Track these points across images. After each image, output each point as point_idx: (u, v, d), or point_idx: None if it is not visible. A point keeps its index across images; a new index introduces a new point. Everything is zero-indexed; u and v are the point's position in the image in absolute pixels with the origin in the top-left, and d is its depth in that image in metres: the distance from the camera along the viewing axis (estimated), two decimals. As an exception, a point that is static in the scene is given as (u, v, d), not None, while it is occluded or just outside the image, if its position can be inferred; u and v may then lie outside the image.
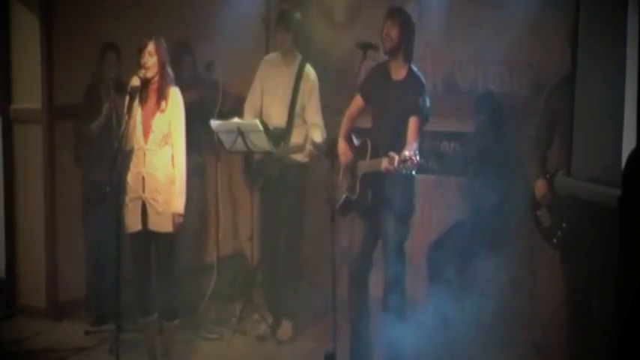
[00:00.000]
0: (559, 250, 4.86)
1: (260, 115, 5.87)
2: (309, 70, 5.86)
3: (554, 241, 4.84)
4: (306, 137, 5.83)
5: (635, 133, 3.12)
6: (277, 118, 5.84)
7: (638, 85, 3.24)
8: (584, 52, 4.00)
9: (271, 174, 5.79)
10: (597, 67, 3.89)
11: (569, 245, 4.78)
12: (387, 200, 4.91)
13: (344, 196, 4.98)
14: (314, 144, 5.73)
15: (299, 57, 5.90)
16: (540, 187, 4.91)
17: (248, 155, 5.94)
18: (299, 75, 5.83)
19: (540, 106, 5.01)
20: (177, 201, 5.16)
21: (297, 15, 5.91)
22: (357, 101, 5.14)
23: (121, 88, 5.55)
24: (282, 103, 5.85)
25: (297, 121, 5.85)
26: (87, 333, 6.01)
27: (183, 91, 5.31)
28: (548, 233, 4.91)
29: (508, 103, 5.89)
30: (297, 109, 5.83)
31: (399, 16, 4.95)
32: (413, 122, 4.85)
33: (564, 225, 4.76)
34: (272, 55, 6.03)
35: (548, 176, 4.90)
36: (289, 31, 5.82)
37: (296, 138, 5.84)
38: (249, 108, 5.96)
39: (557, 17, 5.43)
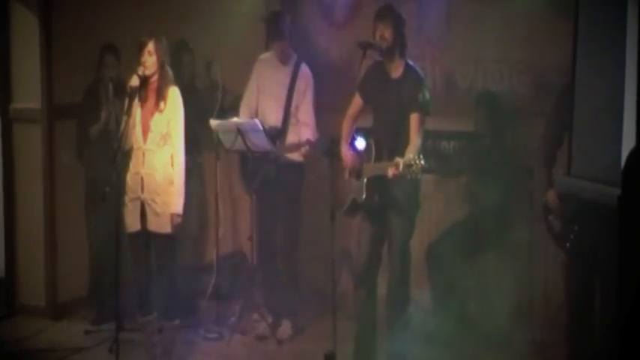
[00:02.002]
0: (572, 253, 4.83)
1: (256, 115, 5.87)
2: (305, 69, 5.86)
3: (568, 245, 4.82)
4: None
5: (635, 132, 3.11)
6: (273, 117, 5.84)
7: (638, 85, 3.24)
8: (584, 52, 4.00)
9: (267, 174, 5.79)
10: (597, 67, 3.89)
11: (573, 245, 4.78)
12: (393, 201, 4.92)
13: (351, 199, 4.99)
14: (309, 142, 5.72)
15: (294, 56, 5.90)
16: (552, 197, 4.89)
17: (243, 157, 5.93)
18: (294, 74, 5.83)
19: (550, 107, 4.99)
20: (175, 201, 5.15)
21: (287, 17, 5.89)
22: (357, 101, 5.14)
23: (121, 89, 5.55)
24: (278, 102, 5.85)
25: (292, 120, 5.84)
26: (87, 332, 6.01)
27: (183, 90, 5.31)
28: (560, 237, 4.89)
29: (508, 102, 5.89)
30: (292, 108, 5.83)
31: (389, 15, 4.94)
32: (414, 119, 4.85)
33: (576, 227, 4.74)
34: (267, 55, 6.01)
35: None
36: (284, 35, 5.80)
37: (292, 137, 5.84)
38: (244, 108, 5.95)
39: (557, 16, 5.44)
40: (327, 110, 5.77)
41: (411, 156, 4.55)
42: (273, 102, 5.87)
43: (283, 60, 5.88)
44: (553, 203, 4.88)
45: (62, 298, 6.41)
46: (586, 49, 3.98)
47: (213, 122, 5.74)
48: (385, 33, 4.90)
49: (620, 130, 3.46)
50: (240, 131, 5.63)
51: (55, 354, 5.69)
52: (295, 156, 5.82)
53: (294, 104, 5.82)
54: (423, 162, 4.53)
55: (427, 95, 4.93)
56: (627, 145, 3.29)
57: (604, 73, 3.78)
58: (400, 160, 4.55)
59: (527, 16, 5.75)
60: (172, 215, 5.15)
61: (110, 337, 5.53)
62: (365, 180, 4.90)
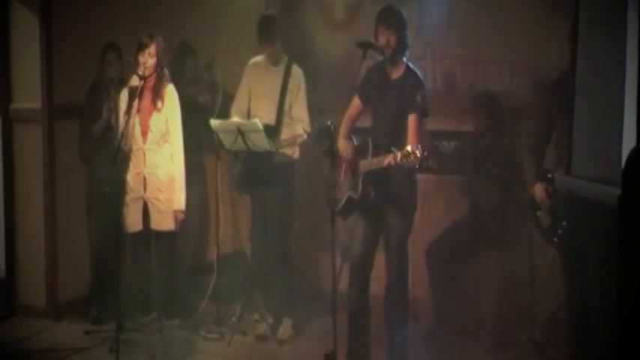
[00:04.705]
0: (560, 248, 4.85)
1: (247, 118, 5.87)
2: (296, 69, 5.87)
3: (555, 240, 4.83)
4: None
5: (635, 131, 3.12)
6: (266, 117, 5.83)
7: (638, 85, 3.24)
8: (584, 52, 4.00)
9: (261, 174, 5.79)
10: (597, 66, 3.89)
11: (570, 244, 4.77)
12: (389, 197, 4.91)
13: (346, 196, 4.98)
14: (305, 131, 5.71)
15: (285, 58, 5.91)
16: (539, 191, 4.89)
17: (234, 162, 5.95)
18: (286, 74, 5.84)
19: (540, 103, 5.01)
20: (178, 197, 5.18)
21: (279, 20, 5.88)
22: (356, 103, 5.14)
23: (123, 88, 5.54)
24: (271, 102, 5.85)
25: (285, 119, 5.85)
26: (87, 333, 6.01)
27: (184, 90, 5.32)
28: (548, 233, 4.90)
29: (508, 102, 5.89)
30: (286, 107, 5.84)
31: (393, 19, 4.90)
32: (412, 120, 4.85)
33: (564, 223, 4.75)
34: (258, 58, 6.00)
35: (549, 175, 4.87)
36: (274, 40, 5.81)
37: (285, 136, 5.85)
38: (236, 112, 5.94)
39: (556, 17, 5.44)
40: (328, 111, 5.77)
41: (409, 148, 4.54)
42: (265, 103, 5.88)
43: (274, 62, 5.90)
44: (540, 198, 4.87)
45: (62, 298, 6.42)
46: (586, 49, 3.98)
47: (214, 122, 5.74)
48: (390, 39, 4.88)
49: (620, 130, 3.46)
50: (240, 131, 5.64)
51: (55, 354, 5.69)
52: (290, 151, 5.82)
53: (287, 104, 5.83)
54: (420, 152, 4.51)
55: (426, 97, 4.92)
56: (627, 145, 3.29)
57: (604, 73, 3.78)
58: (398, 152, 4.55)
59: (527, 16, 5.76)
60: (175, 211, 5.18)
61: (110, 337, 5.54)
62: (361, 176, 4.90)
